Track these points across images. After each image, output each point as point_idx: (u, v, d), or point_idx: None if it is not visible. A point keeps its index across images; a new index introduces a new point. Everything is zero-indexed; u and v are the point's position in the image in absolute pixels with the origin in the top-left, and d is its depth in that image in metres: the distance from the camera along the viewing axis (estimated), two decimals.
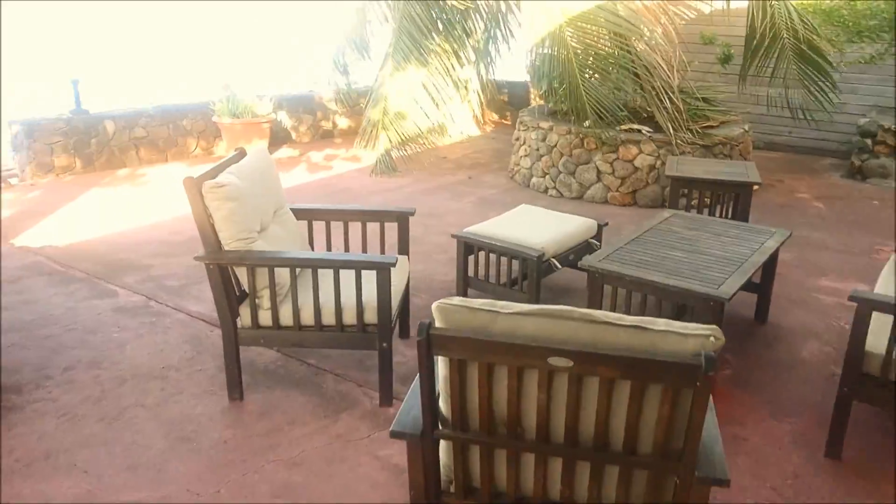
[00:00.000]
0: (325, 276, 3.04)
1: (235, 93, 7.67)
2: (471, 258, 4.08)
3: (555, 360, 1.62)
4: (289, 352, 3.55)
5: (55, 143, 6.83)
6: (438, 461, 1.91)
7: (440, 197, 6.48)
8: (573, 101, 6.02)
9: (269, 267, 2.94)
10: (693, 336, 1.60)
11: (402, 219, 3.57)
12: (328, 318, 3.02)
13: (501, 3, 6.47)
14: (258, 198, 3.10)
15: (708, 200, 4.97)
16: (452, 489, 1.94)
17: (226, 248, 2.92)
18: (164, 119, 7.57)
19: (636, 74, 6.29)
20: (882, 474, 2.75)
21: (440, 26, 6.19)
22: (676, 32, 6.33)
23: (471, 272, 4.08)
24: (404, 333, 3.72)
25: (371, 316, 3.00)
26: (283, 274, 3.02)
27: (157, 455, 2.79)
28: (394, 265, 2.90)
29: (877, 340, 2.67)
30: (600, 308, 3.33)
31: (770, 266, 3.92)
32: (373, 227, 3.63)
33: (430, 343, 1.70)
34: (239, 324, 3.07)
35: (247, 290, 3.03)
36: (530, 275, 3.82)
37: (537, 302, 3.81)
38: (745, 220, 4.63)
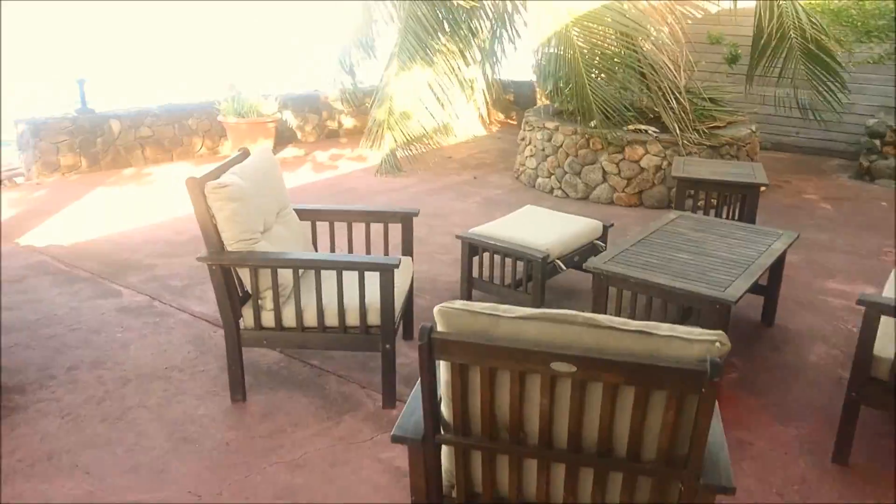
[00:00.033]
0: (329, 277, 3.03)
1: (241, 92, 7.66)
2: (475, 259, 4.06)
3: (558, 366, 1.60)
4: (292, 353, 3.54)
5: (61, 143, 6.84)
6: (440, 466, 1.89)
7: (445, 197, 6.46)
8: (579, 101, 6.00)
9: (271, 268, 2.93)
10: (698, 341, 1.58)
11: (406, 220, 3.55)
12: (331, 319, 3.01)
13: (508, 2, 6.44)
14: (261, 198, 3.09)
15: (714, 201, 4.93)
16: (454, 494, 1.92)
17: (228, 248, 2.91)
18: (169, 118, 7.58)
19: (642, 74, 6.26)
20: (890, 481, 2.72)
21: (446, 26, 6.17)
22: (683, 32, 6.29)
23: (475, 273, 4.06)
24: (408, 335, 3.71)
25: (374, 317, 2.99)
26: (285, 275, 3.01)
27: (159, 456, 2.78)
28: (397, 267, 2.89)
29: (885, 345, 2.64)
30: (605, 310, 3.30)
31: (777, 268, 3.88)
32: (376, 228, 3.61)
33: (432, 347, 1.68)
34: (242, 325, 3.06)
35: (249, 291, 3.02)
36: (535, 276, 3.80)
37: (542, 303, 3.78)
38: (752, 221, 4.59)
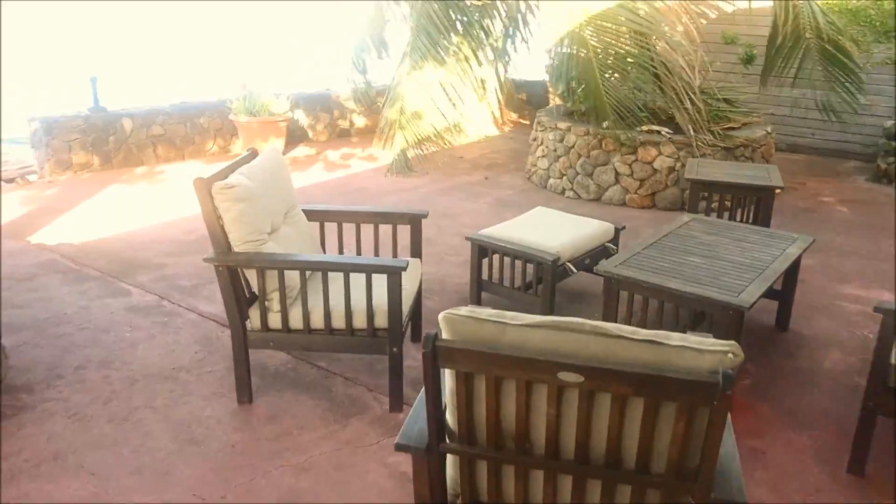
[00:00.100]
0: (336, 279, 3.00)
1: (252, 91, 7.66)
2: (485, 261, 4.02)
3: (565, 376, 1.56)
4: (299, 355, 3.52)
5: (73, 141, 6.87)
6: (445, 474, 1.86)
7: (455, 197, 6.42)
8: (592, 101, 5.94)
9: (278, 269, 2.91)
10: (710, 352, 1.53)
11: (415, 221, 3.52)
12: (338, 321, 2.98)
13: (521, 2, 6.40)
14: (269, 199, 3.07)
15: (728, 204, 4.86)
16: (459, 502, 1.88)
17: (235, 249, 2.89)
18: (181, 117, 7.59)
19: (656, 75, 6.19)
20: None
21: (458, 25, 6.13)
22: (698, 32, 6.22)
23: (485, 275, 4.02)
24: (416, 337, 3.68)
25: (382, 320, 2.96)
26: (293, 276, 2.99)
27: (165, 458, 2.77)
28: (405, 269, 2.86)
29: None
30: (616, 314, 3.25)
31: (792, 272, 3.81)
32: (385, 229, 3.58)
33: (436, 355, 1.65)
34: (248, 326, 3.04)
35: (257, 293, 3.00)
36: (545, 279, 3.75)
37: (552, 307, 3.74)
38: (767, 224, 4.52)
